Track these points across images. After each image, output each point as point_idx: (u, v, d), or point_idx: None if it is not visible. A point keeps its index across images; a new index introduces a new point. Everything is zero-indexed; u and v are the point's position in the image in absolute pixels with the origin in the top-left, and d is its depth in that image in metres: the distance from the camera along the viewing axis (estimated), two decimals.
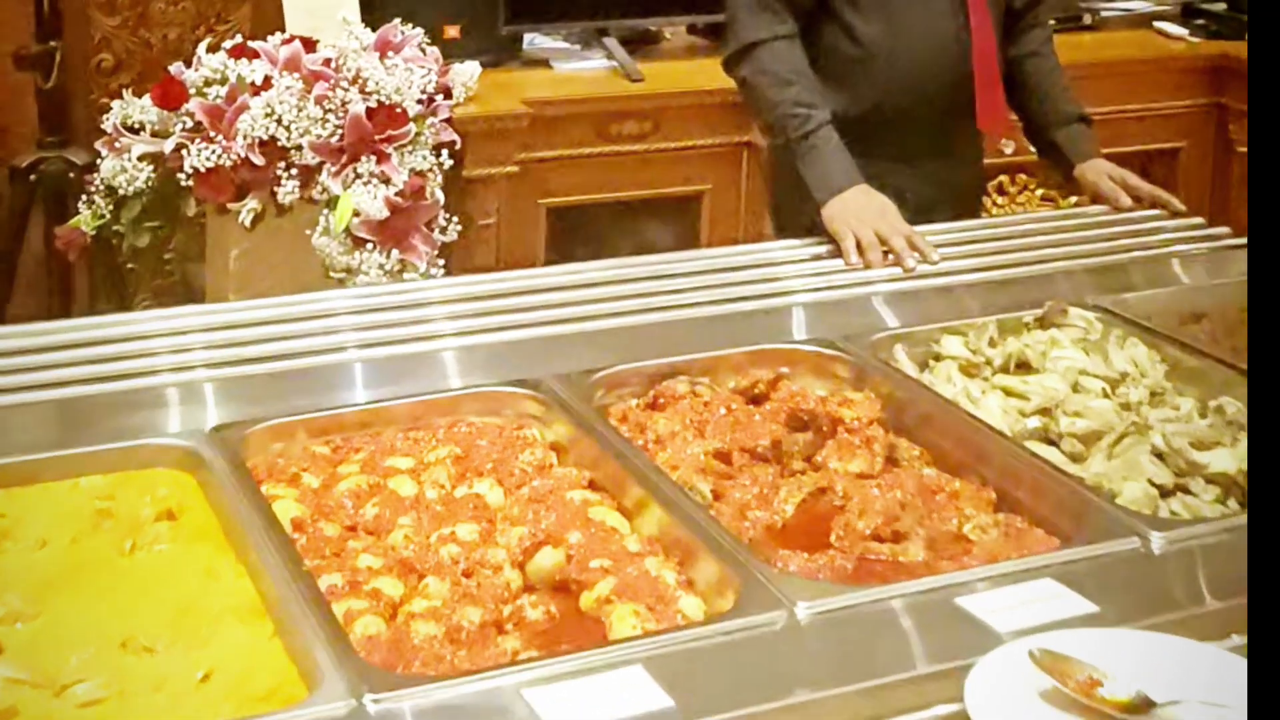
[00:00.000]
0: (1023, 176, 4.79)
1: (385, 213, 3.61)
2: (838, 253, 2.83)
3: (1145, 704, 1.60)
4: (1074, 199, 3.70)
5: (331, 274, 3.70)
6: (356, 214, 3.62)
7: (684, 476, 2.16)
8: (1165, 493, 2.16)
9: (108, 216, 3.79)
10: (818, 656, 1.74)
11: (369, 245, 3.62)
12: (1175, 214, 3.07)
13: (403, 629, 1.84)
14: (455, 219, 3.75)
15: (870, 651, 1.76)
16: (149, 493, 2.14)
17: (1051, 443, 2.29)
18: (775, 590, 1.85)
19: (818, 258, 2.85)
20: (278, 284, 3.74)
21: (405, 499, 2.12)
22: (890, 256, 2.81)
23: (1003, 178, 4.81)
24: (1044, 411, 2.33)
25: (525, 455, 2.24)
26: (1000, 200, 4.81)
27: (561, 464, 2.25)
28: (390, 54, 3.71)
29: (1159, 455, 2.20)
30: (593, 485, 2.17)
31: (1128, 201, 3.07)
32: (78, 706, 1.69)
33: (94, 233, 3.84)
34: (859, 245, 2.81)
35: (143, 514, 2.08)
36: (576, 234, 4.36)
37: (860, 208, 2.86)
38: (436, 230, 3.72)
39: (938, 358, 2.51)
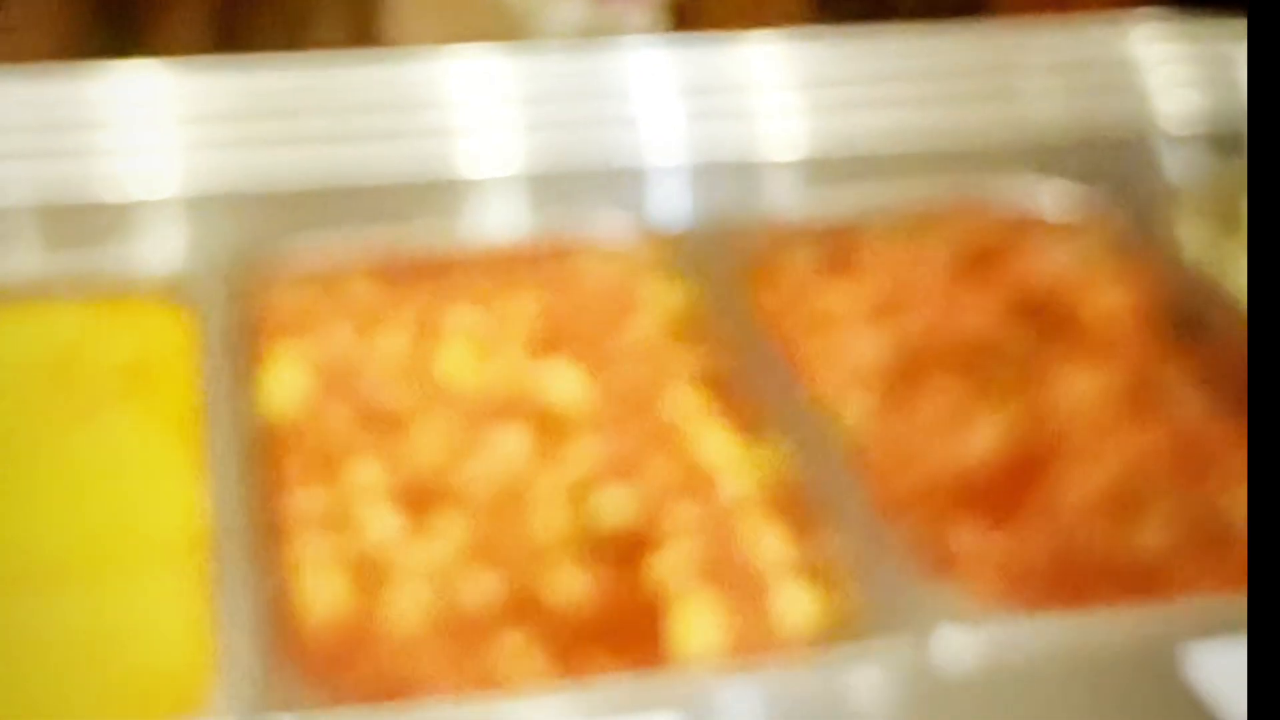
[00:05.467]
0: None
1: None
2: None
3: None
4: None
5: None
6: None
7: (831, 386, 1.53)
8: None
9: None
10: None
11: None
12: None
13: (376, 598, 1.29)
14: None
15: None
16: (133, 333, 1.63)
17: None
18: (910, 599, 1.24)
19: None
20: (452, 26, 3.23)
21: (451, 377, 1.56)
22: None
23: None
24: None
25: (631, 325, 1.64)
26: None
27: (680, 338, 1.64)
28: None
29: None
30: (706, 381, 1.56)
31: None
32: None
33: None
34: None
35: (103, 371, 1.57)
36: None
37: None
38: None
39: (1232, 231, 1.79)
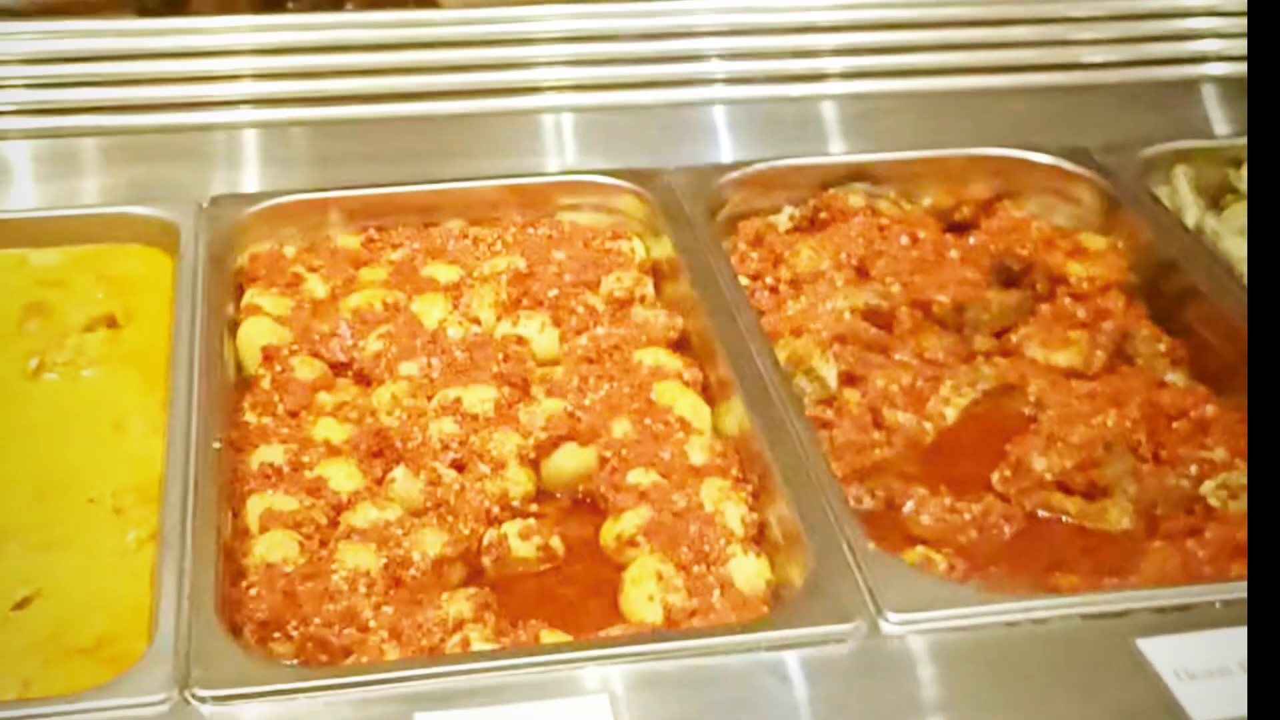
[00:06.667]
0: None
1: None
2: None
3: None
4: None
5: None
6: None
7: (803, 349, 1.51)
8: None
9: None
10: None
11: None
12: None
13: (325, 558, 1.28)
14: None
15: None
16: (104, 286, 1.62)
17: None
18: (862, 578, 1.22)
19: None
20: None
21: (424, 333, 1.54)
22: None
23: None
24: None
25: (609, 280, 1.62)
26: None
27: (659, 294, 1.63)
28: None
29: None
30: (680, 343, 1.55)
31: None
32: None
33: None
34: None
35: (75, 319, 1.56)
36: None
37: None
38: None
39: (1235, 193, 1.75)
